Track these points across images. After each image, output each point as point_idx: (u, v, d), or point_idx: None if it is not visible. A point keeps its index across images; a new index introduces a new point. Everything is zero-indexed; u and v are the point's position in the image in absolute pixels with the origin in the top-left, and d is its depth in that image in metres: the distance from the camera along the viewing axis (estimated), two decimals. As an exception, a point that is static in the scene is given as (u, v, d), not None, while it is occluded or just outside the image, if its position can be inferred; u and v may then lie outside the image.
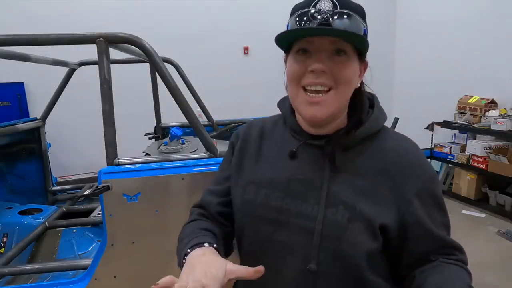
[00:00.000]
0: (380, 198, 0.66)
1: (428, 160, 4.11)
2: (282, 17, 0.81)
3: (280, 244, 0.69)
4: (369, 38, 0.67)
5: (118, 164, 1.33)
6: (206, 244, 0.64)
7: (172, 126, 2.15)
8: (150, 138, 2.66)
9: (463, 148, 3.89)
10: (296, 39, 0.66)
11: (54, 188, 2.47)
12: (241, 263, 0.60)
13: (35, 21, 3.73)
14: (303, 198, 0.68)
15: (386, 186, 0.67)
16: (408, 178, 0.67)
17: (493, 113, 3.58)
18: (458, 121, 3.93)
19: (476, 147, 3.61)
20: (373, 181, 0.67)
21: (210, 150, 1.43)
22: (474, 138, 3.80)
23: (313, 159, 0.71)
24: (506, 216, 3.32)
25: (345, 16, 0.62)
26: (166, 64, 1.50)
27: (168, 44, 3.43)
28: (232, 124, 2.74)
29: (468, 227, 3.22)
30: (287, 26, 0.67)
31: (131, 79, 3.41)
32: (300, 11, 0.64)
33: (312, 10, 0.62)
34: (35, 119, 2.33)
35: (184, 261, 0.62)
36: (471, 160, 3.65)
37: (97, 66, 1.32)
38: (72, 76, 2.27)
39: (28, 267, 1.57)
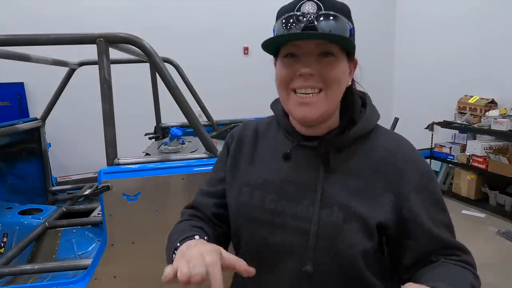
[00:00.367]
0: (375, 197, 0.66)
1: (428, 160, 4.12)
2: (282, 17, 0.80)
3: (276, 246, 0.69)
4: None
5: (118, 164, 1.33)
6: (196, 237, 0.64)
7: (172, 126, 2.15)
8: (150, 138, 2.66)
9: (463, 148, 3.89)
10: (283, 44, 0.66)
11: (54, 188, 2.47)
12: None
13: (35, 21, 3.73)
14: (297, 199, 0.69)
15: (380, 184, 0.67)
16: (404, 175, 0.67)
17: (493, 113, 3.58)
18: (458, 121, 3.93)
19: (476, 147, 3.60)
20: (367, 181, 0.67)
21: (210, 150, 1.43)
22: (474, 138, 3.79)
23: (307, 160, 0.71)
24: (506, 216, 3.32)
25: (331, 18, 0.62)
26: (166, 64, 1.50)
27: (168, 44, 3.43)
28: (232, 124, 2.74)
29: (468, 227, 3.22)
30: (273, 30, 0.67)
31: (131, 79, 3.41)
32: (285, 15, 0.64)
33: (297, 13, 0.63)
34: (35, 119, 2.33)
35: (174, 255, 0.60)
36: (471, 160, 3.65)
37: (97, 66, 1.32)
38: (72, 76, 2.27)
39: (28, 267, 1.57)
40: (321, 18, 0.62)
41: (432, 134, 4.22)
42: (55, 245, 1.98)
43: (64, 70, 2.26)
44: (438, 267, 0.64)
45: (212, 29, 4.32)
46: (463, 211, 3.55)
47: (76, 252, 1.94)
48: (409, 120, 3.97)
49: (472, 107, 3.84)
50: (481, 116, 3.73)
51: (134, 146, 2.45)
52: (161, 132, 2.66)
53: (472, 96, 3.93)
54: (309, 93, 0.65)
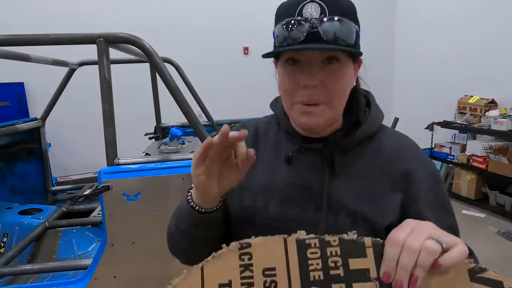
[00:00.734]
0: (383, 198, 0.65)
1: (428, 160, 4.14)
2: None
3: None
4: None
5: (118, 164, 1.33)
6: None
7: (172, 126, 2.15)
8: (150, 138, 2.66)
9: (463, 148, 3.89)
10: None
11: (54, 188, 2.47)
12: None
13: (35, 21, 3.73)
14: (302, 204, 0.67)
15: (387, 185, 0.66)
16: (410, 175, 0.66)
17: (493, 113, 3.58)
18: (458, 121, 3.93)
19: (476, 147, 3.60)
20: (373, 182, 0.66)
21: (210, 150, 1.42)
22: (474, 138, 3.79)
23: (310, 163, 0.68)
24: (506, 216, 3.32)
25: (335, 19, 0.58)
26: (166, 64, 1.50)
27: (168, 44, 3.43)
28: (232, 124, 2.72)
29: (468, 227, 3.21)
30: (273, 33, 0.64)
31: (131, 79, 3.41)
32: (285, 20, 0.60)
33: (298, 19, 0.59)
34: (35, 119, 2.34)
35: (189, 198, 0.63)
36: (471, 160, 3.65)
37: (97, 66, 1.32)
38: (72, 76, 2.28)
39: (28, 267, 1.57)
40: (326, 20, 0.58)
41: (432, 134, 4.22)
42: (55, 245, 1.98)
43: (64, 70, 2.26)
44: None
45: (212, 29, 4.32)
46: (463, 211, 3.55)
47: (76, 252, 1.94)
48: (409, 120, 3.96)
49: (472, 107, 3.84)
50: (481, 116, 3.73)
51: (134, 146, 2.45)
52: (161, 132, 2.67)
53: (472, 96, 3.93)
54: (313, 104, 0.62)
